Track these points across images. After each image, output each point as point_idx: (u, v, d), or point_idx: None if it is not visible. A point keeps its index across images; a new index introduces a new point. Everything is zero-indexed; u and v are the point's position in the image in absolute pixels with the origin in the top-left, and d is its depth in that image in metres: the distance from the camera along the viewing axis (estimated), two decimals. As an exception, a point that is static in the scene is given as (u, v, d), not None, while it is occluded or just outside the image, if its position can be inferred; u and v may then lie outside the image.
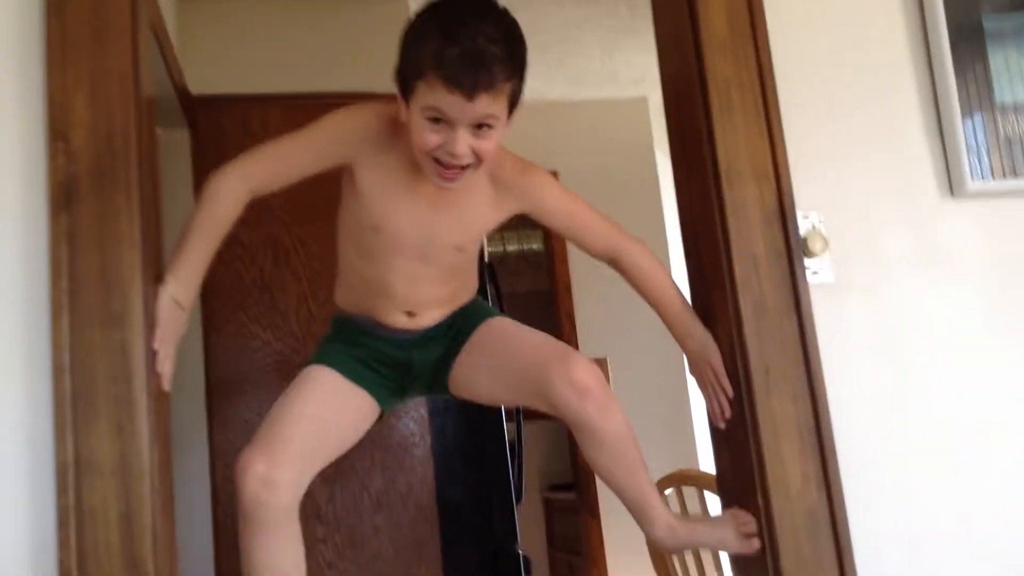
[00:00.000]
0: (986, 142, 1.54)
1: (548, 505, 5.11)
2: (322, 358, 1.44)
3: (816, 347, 1.43)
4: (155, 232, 1.39)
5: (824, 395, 1.41)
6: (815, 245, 1.46)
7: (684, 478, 2.13)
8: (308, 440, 1.34)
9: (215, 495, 3.09)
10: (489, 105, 1.22)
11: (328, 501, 3.03)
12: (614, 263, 1.50)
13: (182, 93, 3.07)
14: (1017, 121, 1.56)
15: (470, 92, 1.19)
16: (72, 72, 1.31)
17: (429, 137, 1.25)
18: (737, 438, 1.45)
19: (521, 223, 5.15)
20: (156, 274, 1.35)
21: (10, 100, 1.29)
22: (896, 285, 1.50)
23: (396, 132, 1.34)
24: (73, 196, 1.28)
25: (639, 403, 2.48)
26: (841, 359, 1.45)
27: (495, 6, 1.26)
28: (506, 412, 3.32)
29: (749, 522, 1.40)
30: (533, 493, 5.23)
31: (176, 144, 3.21)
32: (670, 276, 1.51)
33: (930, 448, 1.45)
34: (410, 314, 1.43)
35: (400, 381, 1.47)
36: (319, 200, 2.99)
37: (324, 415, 1.38)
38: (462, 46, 1.19)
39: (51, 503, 1.20)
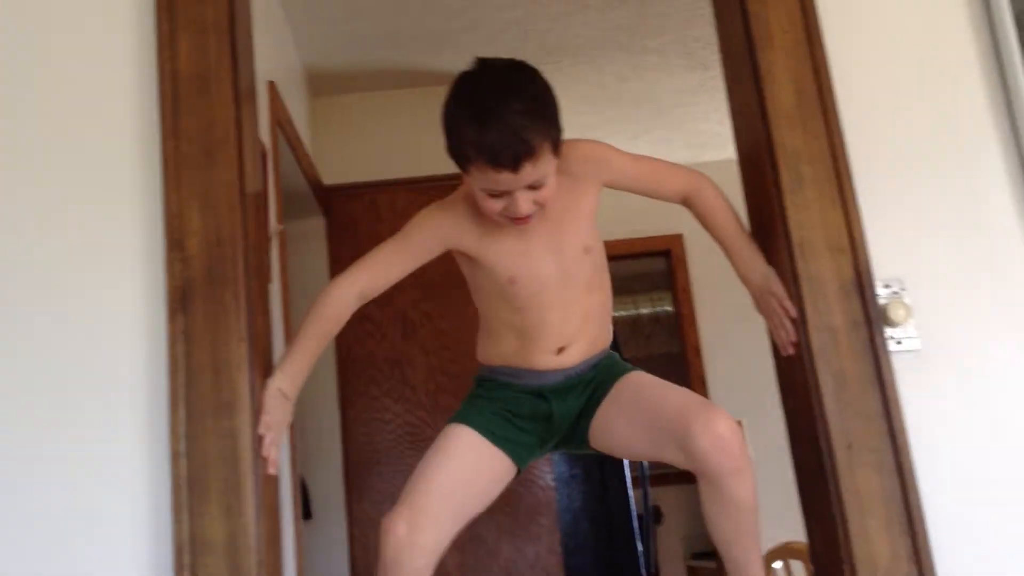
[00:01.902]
0: (1081, 198, 1.47)
1: (692, 574, 4.99)
2: (463, 417, 1.51)
3: (901, 418, 1.39)
4: (262, 325, 1.53)
5: (911, 468, 1.37)
6: (897, 314, 1.44)
7: (791, 551, 2.08)
8: (448, 503, 1.41)
9: (353, 564, 3.23)
10: (535, 169, 1.34)
11: (458, 568, 3.10)
12: (687, 202, 1.58)
13: (315, 184, 3.31)
14: (1114, 175, 1.48)
15: (514, 167, 1.32)
16: (186, 187, 1.47)
17: (492, 205, 1.39)
18: (824, 513, 1.43)
19: (652, 286, 5.13)
20: (263, 365, 1.49)
21: (133, 214, 1.47)
22: (986, 351, 1.45)
23: (466, 204, 1.48)
24: (188, 298, 1.44)
25: (770, 466, 2.43)
26: (930, 430, 1.41)
27: (516, 73, 1.39)
28: (633, 480, 3.32)
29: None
30: (677, 561, 5.13)
31: (312, 232, 3.46)
32: (736, 214, 1.56)
33: (1032, 523, 1.38)
34: (560, 351, 1.50)
35: (539, 434, 1.53)
36: (442, 277, 3.16)
37: (463, 478, 1.45)
38: (496, 129, 1.31)
39: (170, 577, 1.33)
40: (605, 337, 1.57)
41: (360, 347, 3.35)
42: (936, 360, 1.45)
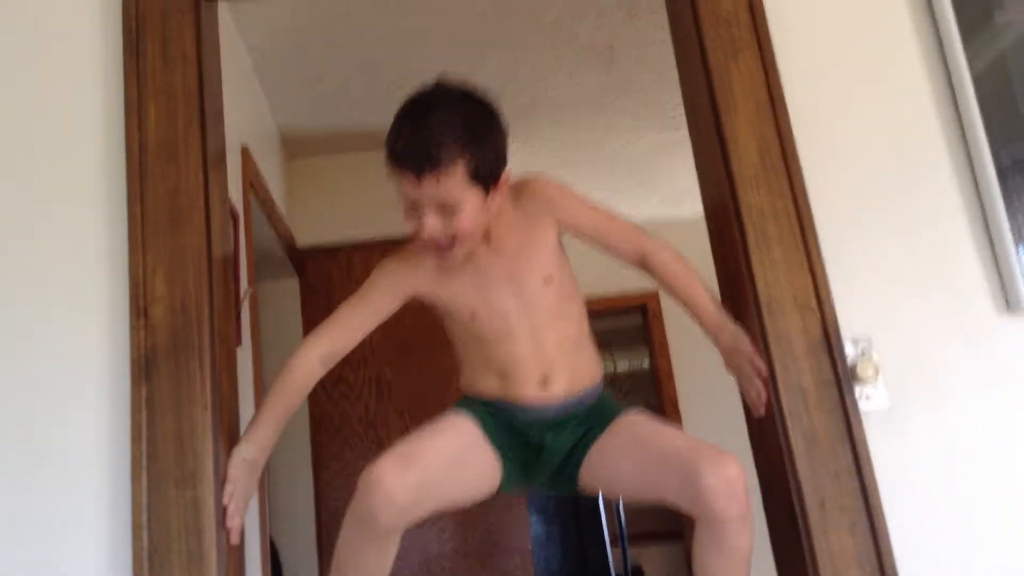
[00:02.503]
0: (1042, 253, 1.49)
1: (675, 633, 4.91)
2: (467, 409, 1.49)
3: (873, 476, 1.39)
4: (228, 392, 1.51)
5: (884, 527, 1.36)
6: (866, 372, 1.44)
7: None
8: (435, 473, 1.37)
9: (326, 630, 3.14)
10: (440, 186, 1.34)
11: (434, 635, 3.03)
12: (644, 264, 1.56)
13: (289, 246, 3.30)
14: (1073, 231, 1.51)
15: (416, 173, 1.33)
16: (151, 253, 1.47)
17: (408, 224, 1.40)
18: (798, 572, 1.41)
19: (631, 340, 5.13)
20: (228, 432, 1.46)
21: (98, 281, 1.46)
22: (956, 407, 1.45)
23: (414, 250, 1.48)
24: (152, 365, 1.42)
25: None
26: (902, 489, 1.40)
27: (461, 94, 1.41)
28: (611, 539, 3.28)
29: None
30: (659, 620, 5.04)
31: (286, 293, 3.44)
32: (698, 275, 1.55)
33: (1008, 581, 1.37)
34: (543, 381, 1.47)
35: (528, 463, 1.50)
36: (417, 336, 3.13)
37: (456, 456, 1.43)
38: (412, 130, 1.35)
39: (129, 655, 1.29)
40: (591, 370, 1.54)
41: (334, 408, 3.32)
42: (905, 417, 1.45)
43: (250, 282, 2.53)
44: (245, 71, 2.81)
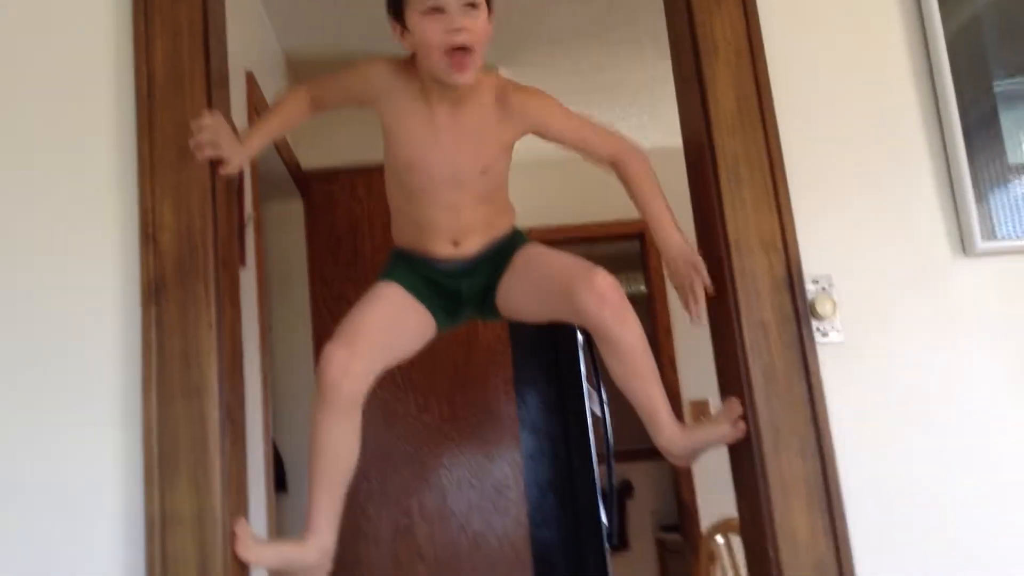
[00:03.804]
0: (998, 201, 1.58)
1: (661, 546, 5.14)
2: (390, 275, 1.66)
3: (824, 407, 1.50)
4: (231, 313, 1.62)
5: (832, 453, 1.48)
6: (824, 308, 1.54)
7: (731, 527, 2.20)
8: (380, 339, 1.57)
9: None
10: None
11: (429, 541, 3.22)
12: (616, 168, 1.68)
13: (294, 169, 3.38)
14: (1029, 181, 1.59)
15: None
16: (159, 184, 1.56)
17: (434, 29, 1.47)
18: (752, 492, 1.54)
19: (627, 265, 5.23)
20: (231, 351, 1.58)
21: (109, 210, 1.55)
22: (908, 344, 1.55)
23: (407, 75, 1.59)
24: (161, 289, 1.53)
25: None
26: (852, 419, 1.52)
27: None
28: (599, 456, 3.44)
29: (737, 409, 1.52)
30: (647, 534, 5.27)
31: (291, 214, 3.53)
32: (660, 188, 1.67)
33: (942, 507, 1.49)
34: (456, 243, 1.64)
35: (452, 306, 1.68)
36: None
37: (393, 320, 1.62)
38: None
39: (141, 550, 1.43)
40: (504, 225, 1.70)
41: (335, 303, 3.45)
42: (859, 352, 1.55)
43: (255, 205, 2.62)
44: (249, -3, 2.86)
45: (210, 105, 1.60)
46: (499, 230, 1.68)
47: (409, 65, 1.60)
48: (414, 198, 1.63)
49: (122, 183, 1.56)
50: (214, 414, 1.50)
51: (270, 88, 3.03)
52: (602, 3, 3.33)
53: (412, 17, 1.49)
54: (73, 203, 1.56)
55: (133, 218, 1.55)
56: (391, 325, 1.60)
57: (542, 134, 1.65)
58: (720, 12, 1.65)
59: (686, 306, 1.60)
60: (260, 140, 1.69)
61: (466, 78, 1.51)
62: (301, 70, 3.52)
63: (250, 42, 2.77)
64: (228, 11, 1.86)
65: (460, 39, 1.47)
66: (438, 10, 1.47)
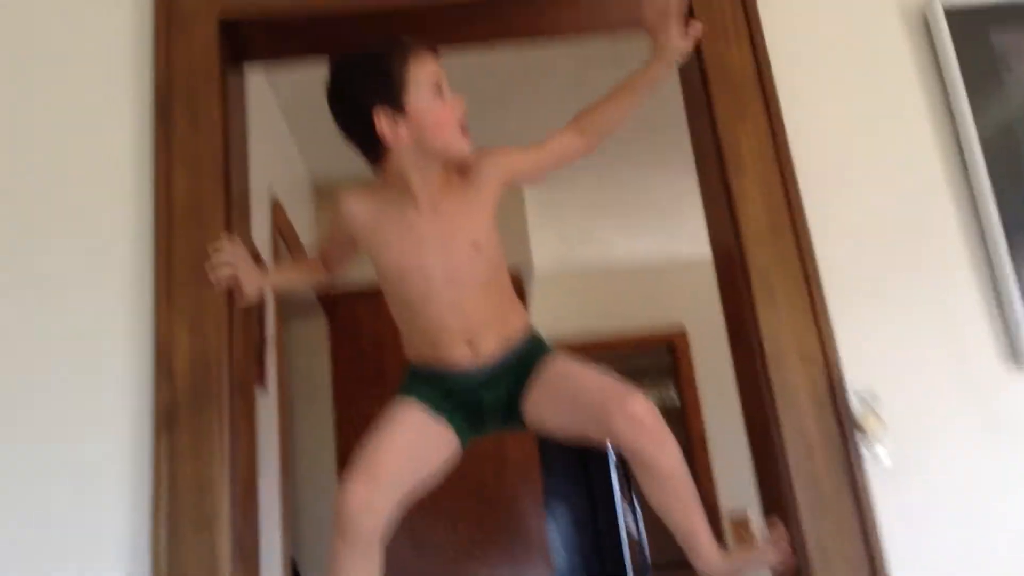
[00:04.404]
0: (1047, 308, 1.51)
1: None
2: (408, 392, 1.57)
3: (875, 527, 1.40)
4: (245, 441, 1.57)
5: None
6: (870, 424, 1.46)
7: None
8: (399, 469, 1.47)
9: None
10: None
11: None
12: (582, 134, 1.62)
13: (318, 289, 3.37)
14: (1079, 287, 1.52)
15: (434, 50, 1.52)
16: (175, 308, 1.53)
17: (444, 107, 1.49)
18: (803, 625, 1.43)
19: (658, 374, 5.13)
20: (244, 480, 1.52)
21: (123, 338, 1.52)
22: (961, 461, 1.46)
23: (376, 192, 1.57)
24: (174, 417, 1.48)
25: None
26: (904, 540, 1.41)
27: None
28: (634, 572, 3.28)
29: (783, 534, 1.45)
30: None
31: (315, 334, 3.50)
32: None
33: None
34: (471, 343, 1.54)
35: (475, 419, 1.58)
36: None
37: (414, 444, 1.52)
38: (408, 39, 1.51)
39: None
40: (518, 323, 1.61)
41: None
42: (908, 470, 1.45)
43: (277, 326, 2.60)
44: (276, 123, 2.91)
45: (229, 231, 1.58)
46: (515, 330, 1.60)
47: (375, 183, 1.58)
48: (417, 306, 1.55)
49: (138, 309, 1.54)
50: (225, 546, 1.43)
51: (296, 212, 3.05)
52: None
53: (420, 98, 1.48)
54: (87, 329, 1.53)
55: (148, 343, 1.51)
56: (412, 450, 1.52)
57: (513, 180, 1.61)
58: (745, 124, 1.63)
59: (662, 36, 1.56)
60: (278, 278, 1.76)
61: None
62: (327, 194, 3.56)
63: (276, 167, 2.81)
64: (255, 136, 1.87)
65: (464, 115, 1.52)
66: (439, 89, 1.51)
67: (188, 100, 1.62)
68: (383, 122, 1.48)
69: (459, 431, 1.57)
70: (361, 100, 1.49)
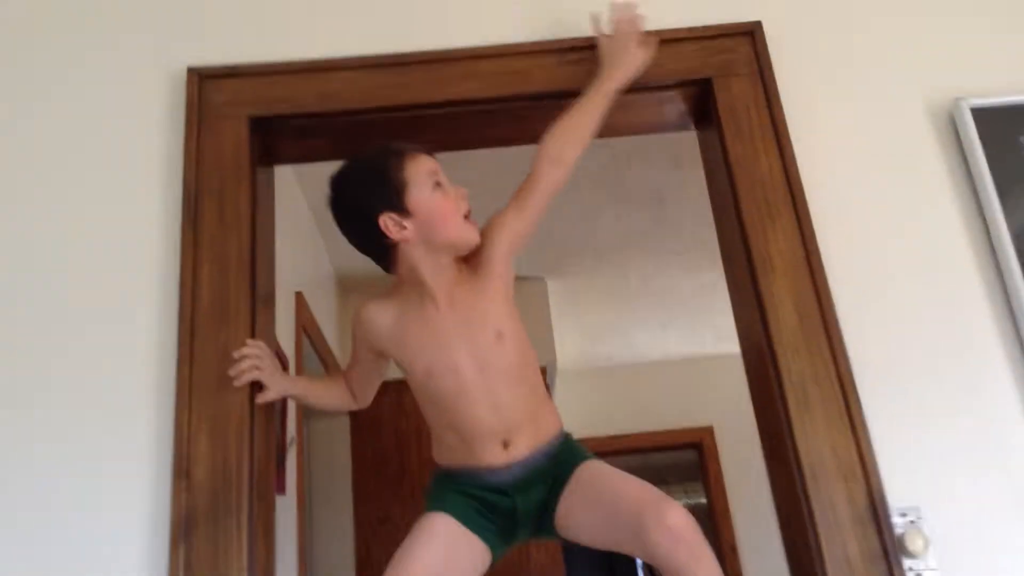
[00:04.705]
0: (1097, 421, 1.45)
1: None
2: (438, 505, 1.51)
3: (925, 657, 1.32)
4: (263, 551, 1.51)
5: None
6: (915, 544, 1.39)
7: None
8: None
9: None
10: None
11: None
12: (550, 155, 1.60)
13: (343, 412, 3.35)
14: None
15: (429, 152, 1.56)
16: (196, 413, 1.50)
17: (446, 199, 1.51)
18: None
19: (686, 477, 5.03)
20: (263, 595, 1.46)
21: (143, 443, 1.49)
22: (1014, 583, 1.38)
23: (393, 297, 1.57)
24: (191, 526, 1.44)
25: None
26: (957, 671, 1.33)
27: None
28: None
29: None
30: None
31: (336, 431, 3.47)
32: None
33: None
34: (506, 445, 1.50)
35: (508, 529, 1.52)
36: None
37: (446, 560, 1.45)
38: (400, 144, 1.56)
39: None
40: (551, 422, 1.57)
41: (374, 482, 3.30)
42: (959, 595, 1.38)
43: (298, 427, 2.56)
44: (304, 218, 2.93)
45: (254, 330, 1.57)
46: (549, 430, 1.56)
47: (391, 290, 1.59)
48: (450, 404, 1.52)
49: (159, 412, 1.51)
50: (240, 668, 1.36)
51: (320, 306, 3.05)
52: (646, 215, 3.36)
53: (421, 196, 1.50)
54: (106, 432, 1.50)
55: (167, 450, 1.48)
56: (445, 565, 1.45)
57: (517, 242, 1.58)
58: (774, 226, 1.61)
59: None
60: (302, 386, 1.71)
61: (435, 318, 1.53)
62: (350, 286, 3.57)
63: (301, 262, 2.81)
64: (281, 232, 1.87)
65: (467, 205, 1.54)
66: (438, 184, 1.52)
67: (217, 200, 1.63)
68: (389, 226, 1.49)
69: (491, 542, 1.52)
70: (365, 209, 1.52)
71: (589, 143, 1.63)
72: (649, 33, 1.69)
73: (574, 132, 1.61)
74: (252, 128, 1.69)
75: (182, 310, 1.56)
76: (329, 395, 1.70)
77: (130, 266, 1.61)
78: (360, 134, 1.77)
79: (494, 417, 1.50)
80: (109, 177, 1.67)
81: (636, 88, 1.69)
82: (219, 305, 1.57)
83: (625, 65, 1.65)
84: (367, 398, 1.70)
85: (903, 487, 1.43)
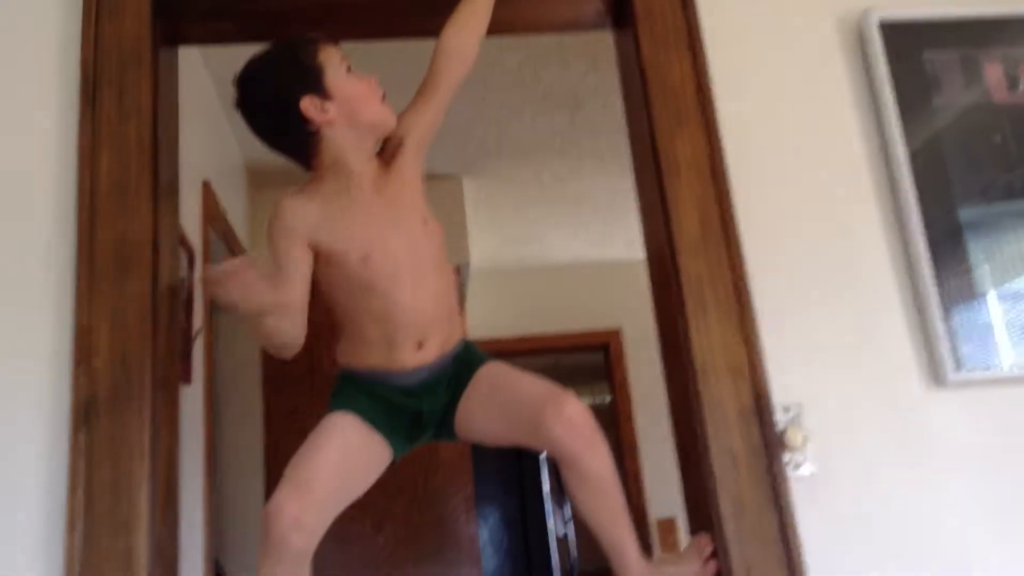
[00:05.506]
0: (968, 331, 1.54)
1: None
2: (344, 404, 1.51)
3: (798, 544, 1.42)
4: (167, 440, 1.52)
5: (806, 591, 1.40)
6: (795, 439, 1.48)
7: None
8: (332, 486, 1.42)
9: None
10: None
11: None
12: (449, 40, 1.59)
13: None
14: (998, 309, 1.56)
15: (335, 42, 1.55)
16: (96, 301, 1.48)
17: (363, 83, 1.52)
18: (723, 637, 1.44)
19: (591, 376, 5.16)
20: (165, 481, 1.47)
21: (41, 330, 1.46)
22: (881, 477, 1.49)
23: (318, 187, 1.52)
24: (92, 414, 1.43)
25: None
26: (825, 554, 1.43)
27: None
28: (552, 497, 3.29)
29: (707, 546, 1.46)
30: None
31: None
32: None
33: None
34: (420, 345, 1.51)
35: (411, 429, 1.55)
36: None
37: (346, 462, 1.46)
38: (309, 36, 1.54)
39: None
40: (459, 327, 1.62)
41: (288, 427, 3.33)
42: (831, 485, 1.48)
43: (206, 317, 2.53)
44: (211, 105, 2.83)
45: (156, 219, 1.53)
46: (455, 335, 1.59)
47: (305, 185, 1.54)
48: (382, 291, 1.50)
49: (58, 300, 1.48)
50: (142, 552, 1.38)
51: (229, 197, 2.98)
52: (564, 118, 3.36)
53: (338, 78, 1.50)
54: (5, 317, 1.47)
55: (67, 337, 1.46)
56: (346, 466, 1.47)
57: (428, 132, 1.60)
58: (682, 132, 1.64)
59: None
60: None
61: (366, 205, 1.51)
62: (260, 179, 3.49)
63: (208, 151, 2.74)
64: (187, 119, 1.81)
65: (381, 89, 1.54)
66: (351, 70, 1.53)
67: (116, 82, 1.57)
68: (311, 109, 1.47)
69: (394, 443, 1.54)
70: (284, 94, 1.48)
71: (485, 31, 1.62)
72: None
73: (471, 21, 1.60)
74: (154, 9, 1.62)
75: (80, 198, 1.52)
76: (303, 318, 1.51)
77: (26, 156, 1.55)
78: (267, 17, 1.72)
79: (420, 306, 1.51)
80: (1, 64, 1.59)
81: (553, -17, 1.68)
82: (119, 193, 1.53)
83: None
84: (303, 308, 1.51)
85: (787, 384, 1.52)
